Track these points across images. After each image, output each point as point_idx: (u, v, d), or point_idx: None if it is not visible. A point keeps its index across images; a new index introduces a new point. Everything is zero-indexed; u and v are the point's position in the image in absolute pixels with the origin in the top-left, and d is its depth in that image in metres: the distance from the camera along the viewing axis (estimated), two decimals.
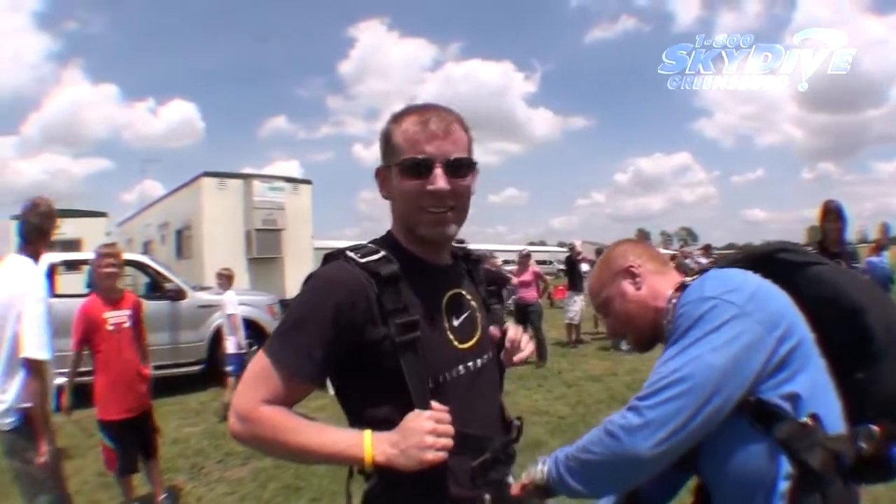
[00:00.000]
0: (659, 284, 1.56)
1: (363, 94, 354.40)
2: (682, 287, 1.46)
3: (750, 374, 1.24)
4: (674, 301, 1.45)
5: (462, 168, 1.27)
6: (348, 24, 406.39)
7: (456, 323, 1.33)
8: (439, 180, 1.23)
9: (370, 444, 1.15)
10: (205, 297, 8.94)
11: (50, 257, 8.50)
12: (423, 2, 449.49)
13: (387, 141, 1.31)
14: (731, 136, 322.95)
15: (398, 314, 1.21)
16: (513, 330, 1.50)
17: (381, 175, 1.35)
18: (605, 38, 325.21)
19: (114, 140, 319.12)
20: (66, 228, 15.27)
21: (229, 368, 6.87)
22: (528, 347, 1.50)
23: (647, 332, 1.58)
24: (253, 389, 1.20)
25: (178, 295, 8.45)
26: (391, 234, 1.38)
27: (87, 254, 9.76)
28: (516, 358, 1.49)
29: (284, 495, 4.64)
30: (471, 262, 1.53)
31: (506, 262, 20.78)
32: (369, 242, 1.33)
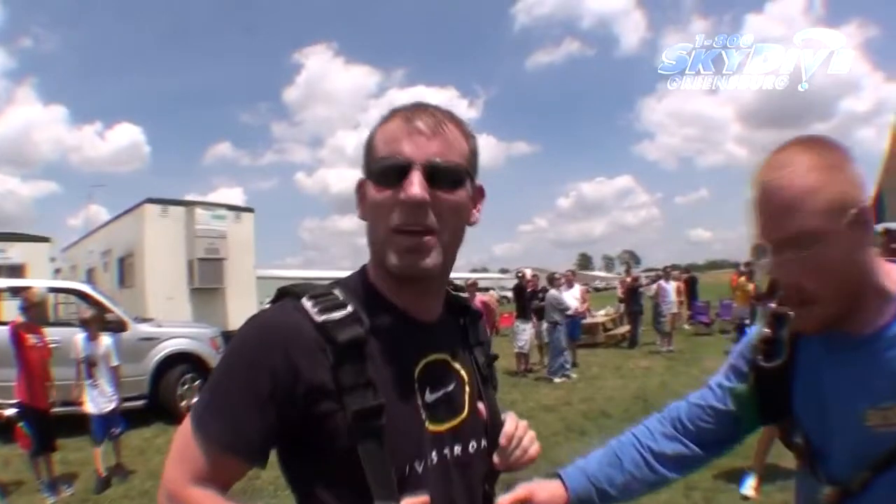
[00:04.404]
0: (881, 261, 1.11)
1: (307, 121, 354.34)
2: None
3: None
4: None
5: (450, 177, 0.97)
6: (295, 49, 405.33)
7: (430, 398, 1.03)
8: (414, 187, 0.93)
9: None
10: (147, 329, 8.79)
11: None
12: (370, 28, 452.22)
13: (367, 145, 1.03)
14: (674, 158, 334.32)
15: (358, 393, 0.93)
16: (511, 422, 1.16)
17: (361, 190, 1.05)
18: (549, 62, 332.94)
19: (61, 163, 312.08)
20: (10, 253, 14.97)
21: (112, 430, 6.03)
22: (531, 448, 1.16)
23: (841, 309, 1.07)
24: (180, 465, 0.96)
25: (119, 326, 8.20)
26: (365, 272, 1.09)
27: (33, 280, 9.52)
28: (513, 461, 1.14)
29: None
30: (469, 316, 1.20)
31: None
32: (337, 284, 1.05)
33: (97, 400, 5.89)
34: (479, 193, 1.09)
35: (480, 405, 1.12)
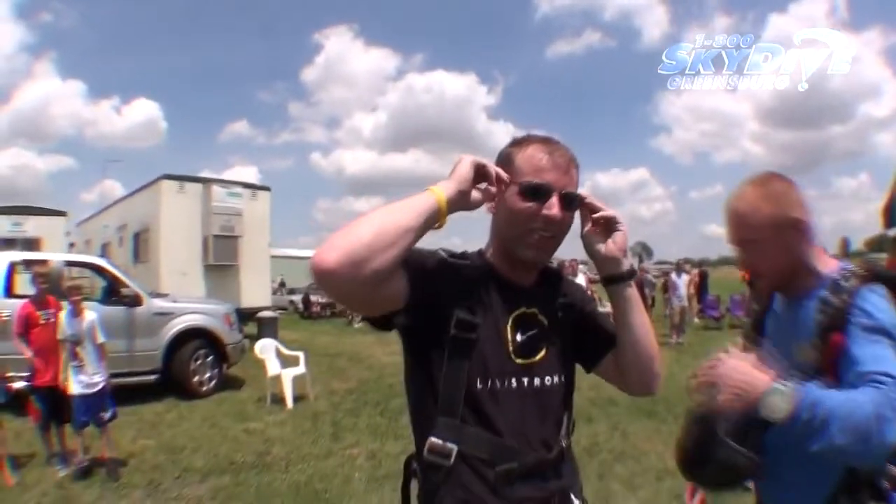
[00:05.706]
0: (816, 251, 1.63)
1: (324, 102, 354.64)
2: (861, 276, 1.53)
3: None
4: (849, 285, 1.51)
5: (572, 202, 1.37)
6: (316, 30, 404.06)
7: (520, 338, 1.38)
8: (555, 208, 1.32)
9: (437, 189, 1.23)
10: (162, 304, 8.84)
11: (10, 255, 8.31)
12: (392, 11, 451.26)
13: (507, 162, 1.38)
14: (690, 153, 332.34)
15: (464, 311, 1.31)
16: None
17: (496, 192, 1.37)
18: (569, 52, 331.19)
19: (77, 138, 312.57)
20: (26, 226, 15.11)
21: (101, 415, 5.42)
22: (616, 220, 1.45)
23: (786, 282, 1.65)
24: None
25: (134, 301, 8.27)
26: (482, 251, 1.49)
27: (48, 254, 9.59)
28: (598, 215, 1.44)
29: None
30: (553, 278, 1.55)
31: None
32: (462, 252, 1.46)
33: (81, 381, 5.33)
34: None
35: (555, 347, 1.44)
